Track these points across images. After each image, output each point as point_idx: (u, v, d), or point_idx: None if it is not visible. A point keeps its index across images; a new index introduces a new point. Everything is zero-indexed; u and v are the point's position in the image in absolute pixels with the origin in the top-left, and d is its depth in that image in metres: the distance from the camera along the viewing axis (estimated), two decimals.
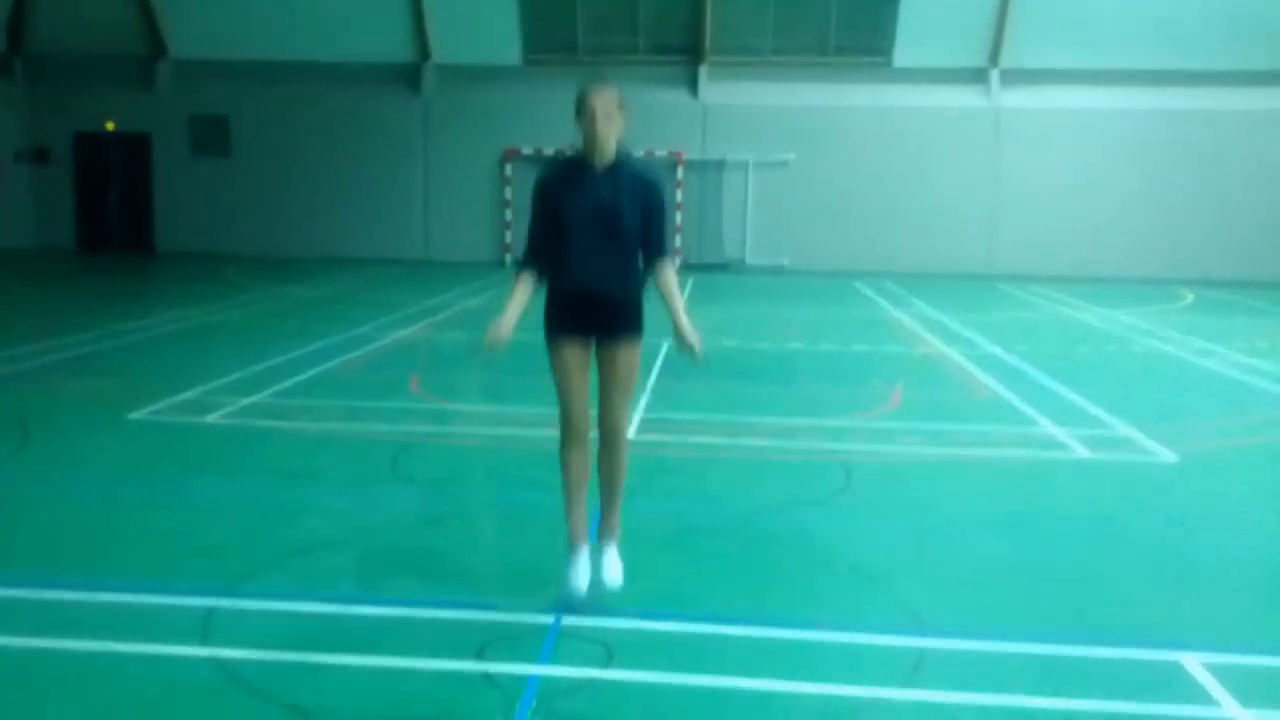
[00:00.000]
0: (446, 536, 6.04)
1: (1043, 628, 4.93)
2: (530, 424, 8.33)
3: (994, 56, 24.33)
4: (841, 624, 4.91)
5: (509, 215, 24.67)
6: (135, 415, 8.71)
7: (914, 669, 4.48)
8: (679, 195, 24.70)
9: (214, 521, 6.21)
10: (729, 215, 24.97)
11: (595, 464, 5.16)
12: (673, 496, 6.93)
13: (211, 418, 8.72)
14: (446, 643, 4.58)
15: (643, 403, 9.58)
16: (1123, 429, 8.99)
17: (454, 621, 4.81)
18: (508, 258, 24.59)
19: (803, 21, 24.91)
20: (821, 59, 25.01)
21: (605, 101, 4.91)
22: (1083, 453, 8.25)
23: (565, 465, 5.08)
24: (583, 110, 4.94)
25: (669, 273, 5.16)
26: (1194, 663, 4.53)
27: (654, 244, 5.10)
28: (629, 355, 5.07)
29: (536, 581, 5.33)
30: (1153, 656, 4.63)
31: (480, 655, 4.45)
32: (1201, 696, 4.28)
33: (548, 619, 4.83)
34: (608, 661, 4.45)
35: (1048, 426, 9.07)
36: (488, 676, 4.29)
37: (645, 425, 8.79)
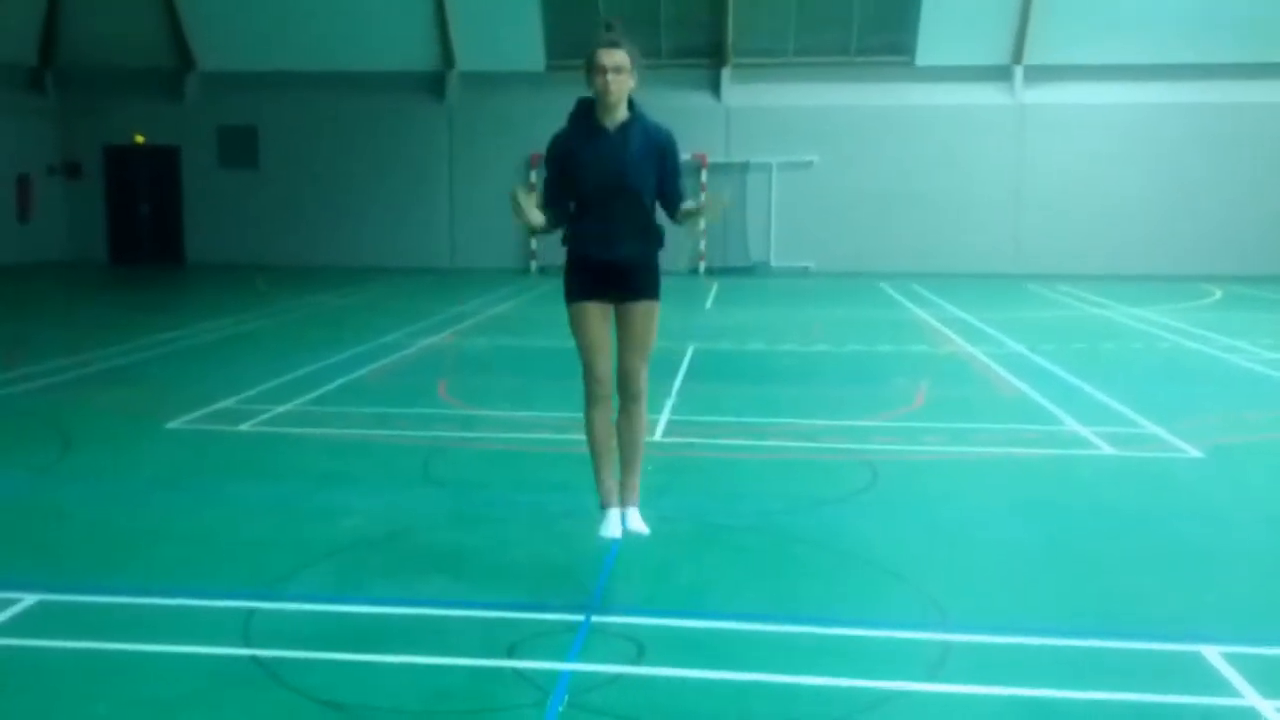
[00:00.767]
0: (477, 537, 6.16)
1: (1065, 621, 4.99)
2: (557, 428, 8.44)
3: (1017, 53, 24.31)
4: (867, 619, 4.99)
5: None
6: (172, 424, 8.88)
7: (939, 662, 4.55)
8: (702, 198, 24.72)
9: (252, 525, 6.35)
10: (753, 218, 25.04)
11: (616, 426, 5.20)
12: (700, 495, 7.03)
13: (246, 426, 8.88)
14: (479, 640, 4.69)
15: (669, 405, 9.69)
16: (1148, 426, 9.02)
17: (486, 619, 4.92)
18: (533, 265, 24.75)
19: (825, 22, 24.97)
20: (844, 59, 25.07)
21: (615, 58, 4.90)
22: (1107, 450, 8.29)
23: (591, 425, 5.16)
24: (592, 68, 4.93)
25: (688, 205, 5.16)
26: (1215, 654, 4.58)
27: (672, 197, 5.14)
28: (647, 316, 5.09)
29: (566, 580, 5.45)
30: (1174, 648, 4.69)
31: (512, 652, 4.56)
32: (1223, 687, 4.33)
33: (578, 617, 4.93)
34: (638, 657, 4.54)
35: (1072, 424, 9.11)
36: (519, 672, 4.39)
37: (672, 427, 8.89)
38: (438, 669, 4.45)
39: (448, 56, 25.45)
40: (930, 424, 9.19)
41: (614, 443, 5.21)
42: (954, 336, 14.40)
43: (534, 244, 24.84)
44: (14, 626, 4.83)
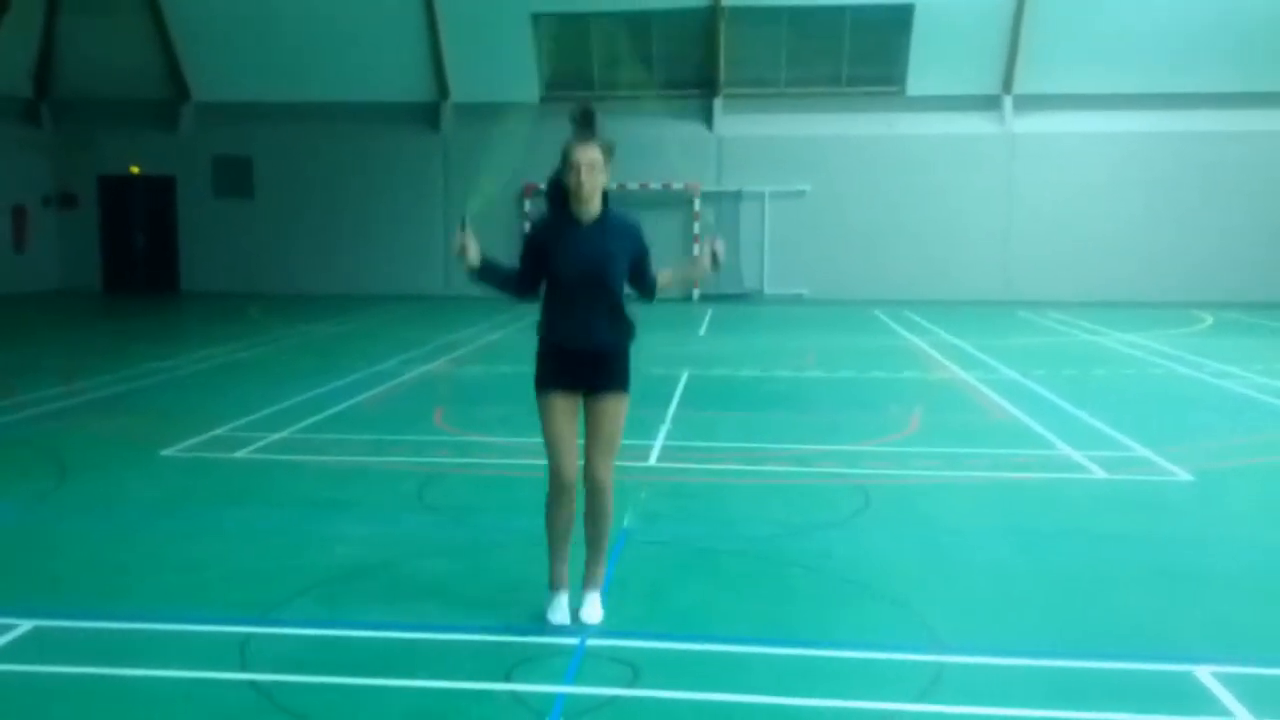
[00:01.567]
0: (473, 562, 6.19)
1: (1057, 642, 5.03)
2: (544, 447, 8.45)
3: (1007, 83, 24.51)
4: (860, 642, 5.02)
5: (529, 229, 24.87)
6: (167, 452, 8.90)
7: (931, 684, 4.58)
8: (696, 227, 24.90)
9: (248, 551, 6.37)
10: (746, 246, 25.15)
11: (580, 517, 5.21)
12: (694, 520, 7.06)
13: (241, 453, 8.91)
14: (476, 664, 4.72)
15: (663, 431, 9.73)
16: (1139, 450, 9.08)
17: (482, 643, 4.95)
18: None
19: (816, 53, 25.18)
20: (835, 89, 25.26)
21: (590, 155, 5.02)
22: (1099, 474, 8.35)
23: (550, 519, 5.17)
24: (568, 164, 5.04)
25: (664, 277, 5.36)
26: (1206, 673, 4.62)
27: (646, 281, 5.29)
28: (616, 409, 5.14)
29: (551, 599, 5.46)
30: (1166, 668, 4.72)
31: (508, 676, 4.59)
32: (1214, 706, 4.37)
33: (573, 640, 4.96)
34: (633, 680, 4.57)
35: (1064, 449, 9.17)
36: (516, 696, 4.42)
37: (666, 452, 8.93)
38: (435, 692, 4.47)
39: (442, 87, 25.61)
40: (923, 449, 9.24)
41: (571, 531, 5.21)
42: (947, 362, 14.47)
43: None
44: (10, 653, 4.85)
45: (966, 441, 9.54)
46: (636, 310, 5.28)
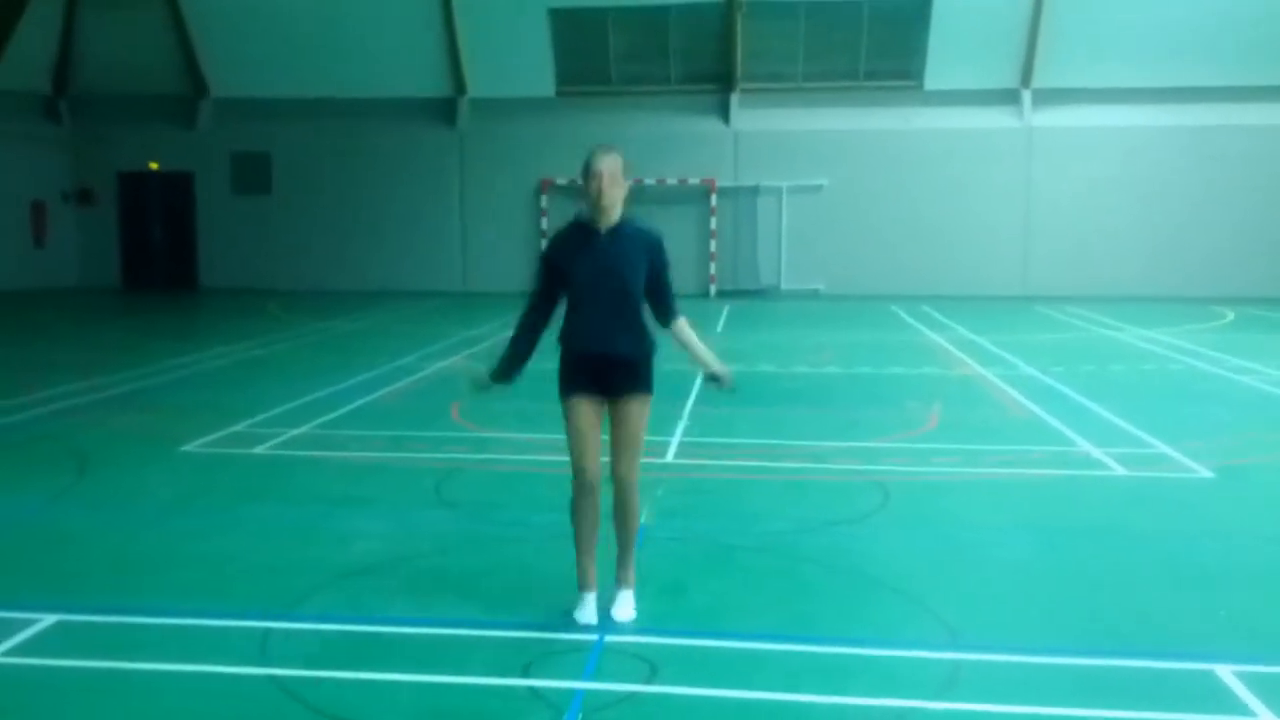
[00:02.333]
0: (491, 558, 6.20)
1: (1077, 640, 5.01)
2: (568, 449, 8.46)
3: (1025, 77, 24.41)
4: (878, 639, 5.01)
5: (545, 246, 24.93)
6: (186, 447, 8.94)
7: (949, 682, 4.57)
8: (713, 223, 24.89)
9: (267, 546, 6.40)
10: (763, 241, 25.13)
11: (608, 516, 5.26)
12: (712, 517, 7.06)
13: (260, 449, 8.94)
14: (494, 659, 4.73)
15: (680, 428, 9.73)
16: (1159, 446, 9.03)
17: (501, 639, 4.96)
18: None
19: (833, 47, 25.11)
20: (853, 84, 25.20)
21: (610, 166, 5.09)
22: (1119, 470, 8.31)
23: (576, 516, 5.22)
24: (589, 176, 5.10)
25: (685, 330, 5.34)
26: (1227, 672, 4.60)
27: (664, 306, 5.28)
28: (639, 412, 5.20)
29: (580, 600, 5.47)
30: (1187, 667, 4.70)
31: (526, 671, 4.59)
32: (1236, 705, 4.34)
33: (592, 636, 4.97)
34: (650, 677, 4.57)
35: (1084, 445, 9.13)
36: (534, 691, 4.43)
37: (684, 449, 8.93)
38: (453, 688, 4.48)
39: (459, 83, 25.63)
40: (941, 445, 9.21)
41: (597, 531, 5.26)
42: (965, 358, 14.42)
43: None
44: (33, 646, 4.88)
45: (985, 438, 9.51)
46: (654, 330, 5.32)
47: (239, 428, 9.71)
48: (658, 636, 4.98)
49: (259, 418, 10.13)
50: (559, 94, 25.14)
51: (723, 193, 24.94)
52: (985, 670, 4.70)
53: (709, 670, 4.66)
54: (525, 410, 10.32)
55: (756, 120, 25.11)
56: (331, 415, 10.36)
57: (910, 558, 6.25)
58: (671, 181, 24.38)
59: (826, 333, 17.89)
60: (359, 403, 11.04)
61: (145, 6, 25.36)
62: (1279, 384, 12.29)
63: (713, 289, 24.99)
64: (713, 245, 24.98)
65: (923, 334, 17.45)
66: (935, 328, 18.21)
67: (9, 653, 4.80)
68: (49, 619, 5.15)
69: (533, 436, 9.26)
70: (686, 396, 11.31)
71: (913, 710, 4.30)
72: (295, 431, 9.60)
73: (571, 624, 5.11)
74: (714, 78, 25.39)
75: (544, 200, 24.87)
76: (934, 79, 24.67)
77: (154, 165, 26.56)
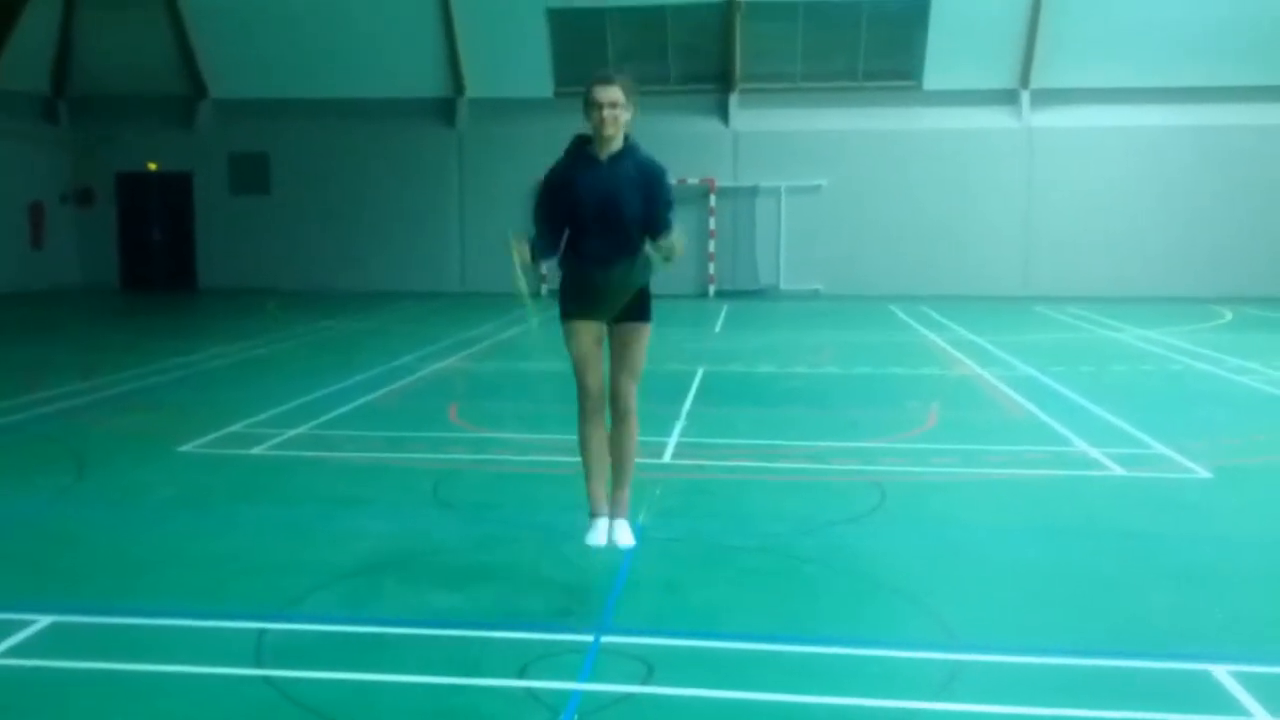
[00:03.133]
0: (488, 559, 6.19)
1: (1074, 640, 5.00)
2: (568, 450, 8.44)
3: (1024, 77, 24.41)
4: (876, 639, 5.00)
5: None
6: (184, 448, 8.94)
7: (947, 682, 4.57)
8: (712, 223, 24.88)
9: (264, 547, 6.40)
10: (762, 242, 25.13)
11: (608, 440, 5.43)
12: (710, 517, 7.05)
13: (258, 449, 8.93)
14: (491, 660, 4.72)
15: (678, 427, 9.72)
16: (1157, 447, 9.03)
17: (497, 640, 4.95)
18: (544, 289, 24.80)
19: (832, 47, 25.11)
20: (852, 84, 25.19)
21: (610, 93, 5.18)
22: (1117, 471, 8.30)
23: (584, 440, 5.41)
24: (589, 105, 5.20)
25: (667, 234, 5.34)
26: (1223, 672, 4.59)
27: (657, 226, 5.34)
28: (638, 337, 5.35)
29: (577, 601, 5.48)
30: (1183, 667, 4.70)
31: (523, 672, 4.59)
32: (1232, 706, 4.34)
33: (588, 637, 4.96)
34: (647, 677, 4.57)
35: (1082, 445, 9.12)
36: (531, 693, 4.42)
37: (681, 449, 8.92)
38: (449, 689, 4.48)
39: (458, 83, 25.63)
40: (940, 445, 9.21)
41: (606, 455, 5.44)
42: (964, 359, 14.42)
43: (544, 268, 24.87)
44: (29, 647, 4.87)
45: (984, 438, 9.51)
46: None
47: (237, 428, 9.70)
48: (655, 637, 4.97)
49: (257, 418, 10.13)
50: (558, 94, 25.13)
51: (722, 193, 24.95)
52: (983, 670, 4.70)
53: (706, 671, 4.66)
54: (523, 411, 10.33)
55: (755, 120, 25.11)
56: (330, 415, 10.36)
57: (908, 558, 6.25)
58: (670, 182, 24.33)
59: (825, 333, 17.89)
60: (357, 403, 11.03)
61: (144, 7, 25.35)
62: (1278, 384, 12.28)
63: (712, 289, 24.99)
64: (711, 245, 24.98)
65: (922, 334, 17.45)
66: (934, 328, 18.21)
67: (5, 654, 4.79)
68: (45, 620, 5.14)
69: (531, 437, 9.25)
70: (685, 397, 11.31)
71: (911, 711, 4.30)
72: (293, 432, 9.59)
73: (568, 626, 5.11)
74: (713, 78, 25.39)
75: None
76: (933, 79, 24.67)
77: (153, 166, 26.55)
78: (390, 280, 25.55)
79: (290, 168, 26.21)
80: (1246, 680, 4.52)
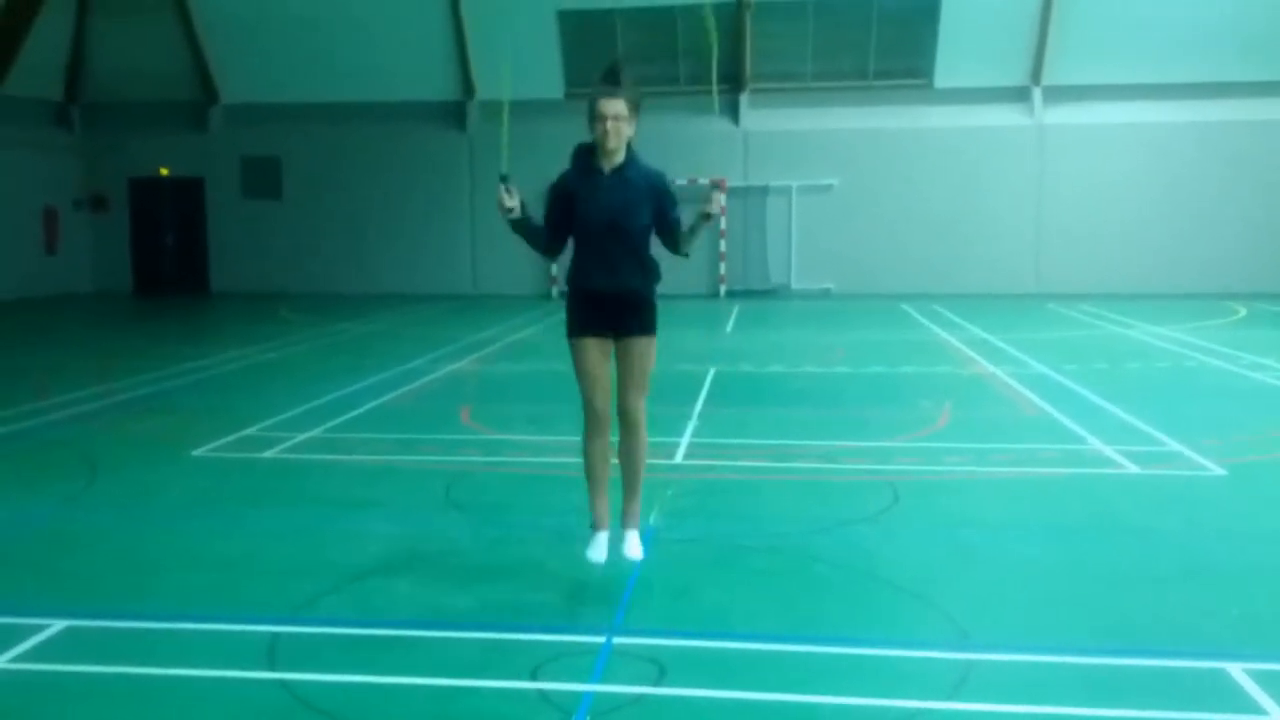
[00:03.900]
0: (500, 561, 6.19)
1: (1088, 639, 4.98)
2: (579, 452, 8.46)
3: (1036, 74, 24.31)
4: (889, 640, 4.99)
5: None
6: (197, 452, 8.96)
7: (960, 682, 4.55)
8: (722, 222, 24.84)
9: (277, 550, 6.41)
10: (773, 241, 25.08)
11: (616, 453, 5.47)
12: (722, 518, 7.05)
13: (271, 453, 8.95)
14: (502, 663, 4.72)
15: (690, 428, 9.71)
16: (1172, 444, 8.99)
17: (509, 642, 4.95)
18: (554, 290, 24.84)
19: (842, 46, 25.05)
20: (862, 83, 25.13)
21: (614, 107, 5.21)
22: (1131, 468, 8.27)
23: (588, 455, 5.44)
24: (594, 118, 5.24)
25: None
26: (1239, 670, 4.57)
27: (670, 228, 5.43)
28: (644, 349, 5.37)
29: (588, 602, 5.48)
30: (1199, 665, 4.67)
31: (535, 674, 4.58)
32: (1248, 704, 4.31)
33: (600, 639, 4.95)
34: (659, 679, 4.56)
35: (1096, 443, 9.09)
36: (543, 694, 4.42)
37: (693, 449, 8.91)
38: (462, 691, 4.48)
39: (468, 85, 25.66)
40: (952, 444, 9.18)
41: (609, 469, 5.46)
42: (976, 357, 14.38)
43: (554, 269, 24.88)
44: (43, 652, 4.89)
45: (997, 437, 9.48)
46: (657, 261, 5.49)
47: (250, 432, 9.72)
48: (667, 638, 4.97)
49: (270, 421, 10.15)
50: (568, 95, 25.12)
51: (732, 193, 24.90)
52: (996, 670, 4.68)
53: (718, 672, 4.65)
54: (535, 413, 10.34)
55: (766, 120, 25.08)
56: (342, 419, 10.37)
57: (921, 558, 6.23)
58: (681, 182, 24.28)
59: (837, 332, 17.86)
60: (369, 406, 11.04)
61: (155, 13, 25.43)
62: None
63: (722, 289, 24.96)
64: (722, 245, 24.95)
65: (934, 333, 17.40)
66: (946, 326, 18.16)
67: (19, 659, 4.81)
68: (59, 624, 5.16)
69: (543, 439, 9.25)
70: (696, 397, 11.30)
71: (923, 711, 4.28)
72: (306, 435, 9.61)
73: (580, 627, 5.11)
74: (723, 78, 25.35)
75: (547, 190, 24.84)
76: (944, 77, 24.60)
77: (165, 171, 26.63)
78: (402, 283, 25.58)
79: (302, 172, 26.26)
80: (1262, 678, 4.49)
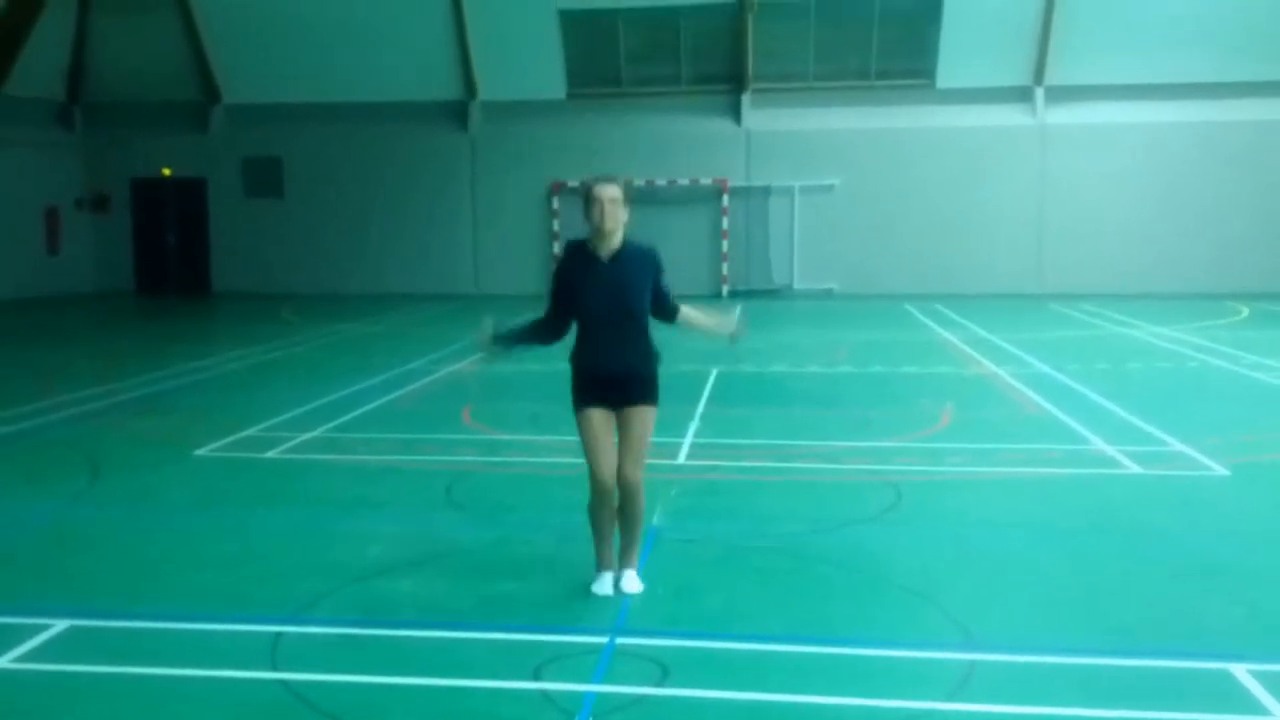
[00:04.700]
0: (502, 561, 6.18)
1: (1091, 640, 4.97)
2: (578, 452, 8.45)
3: (1038, 74, 24.29)
4: (891, 640, 4.98)
5: (556, 248, 24.93)
6: (200, 452, 8.96)
7: (963, 682, 4.54)
8: (725, 223, 24.85)
9: (279, 550, 6.41)
10: (776, 241, 25.07)
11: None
12: (724, 518, 7.04)
13: (273, 453, 8.95)
14: (505, 663, 4.72)
15: (692, 428, 9.70)
16: (1174, 444, 8.98)
17: (512, 642, 4.95)
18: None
19: (844, 46, 25.05)
20: (864, 83, 25.12)
21: (611, 190, 5.32)
22: (1134, 469, 8.26)
23: (593, 513, 5.58)
24: (590, 203, 5.33)
25: (690, 314, 5.68)
26: (1243, 671, 4.56)
27: (666, 308, 5.58)
28: (644, 420, 5.51)
29: (591, 602, 5.47)
30: (1202, 666, 4.66)
31: (537, 674, 4.58)
32: (1252, 705, 4.30)
33: (602, 639, 4.95)
34: (662, 679, 4.55)
35: (1099, 444, 9.07)
36: (545, 695, 4.41)
37: (696, 450, 8.91)
38: (465, 691, 4.47)
39: (470, 86, 25.65)
40: (955, 445, 9.17)
41: (614, 524, 5.59)
42: (979, 357, 14.36)
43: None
44: (45, 652, 4.89)
45: (999, 437, 9.47)
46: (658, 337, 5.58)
47: (252, 432, 9.72)
48: (669, 639, 4.96)
49: (272, 422, 10.15)
50: (570, 96, 25.12)
51: (735, 193, 24.90)
52: (999, 671, 4.67)
53: (721, 672, 4.64)
54: (536, 413, 10.33)
55: (768, 120, 25.06)
56: (344, 419, 10.37)
57: (924, 558, 6.22)
58: (683, 182, 24.35)
59: (839, 332, 17.84)
60: (371, 406, 11.04)
61: (157, 13, 25.44)
62: None
63: (725, 289, 24.95)
64: (725, 245, 24.94)
65: (936, 333, 17.39)
66: (949, 326, 18.14)
67: (22, 658, 4.81)
68: (61, 624, 5.16)
69: (544, 439, 9.25)
70: (699, 398, 11.29)
71: (926, 711, 4.28)
72: (308, 435, 9.61)
73: (582, 627, 5.11)
74: (725, 78, 25.34)
75: (555, 202, 24.84)
76: (946, 77, 24.58)
77: (167, 171, 26.64)
78: (403, 283, 25.57)
79: (303, 172, 26.26)
80: (1266, 679, 4.48)
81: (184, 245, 26.92)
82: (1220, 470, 8.12)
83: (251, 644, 4.95)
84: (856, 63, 25.15)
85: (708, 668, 4.69)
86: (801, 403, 11.38)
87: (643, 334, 5.49)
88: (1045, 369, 13.15)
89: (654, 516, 6.76)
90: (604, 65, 25.27)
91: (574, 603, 5.50)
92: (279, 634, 5.05)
